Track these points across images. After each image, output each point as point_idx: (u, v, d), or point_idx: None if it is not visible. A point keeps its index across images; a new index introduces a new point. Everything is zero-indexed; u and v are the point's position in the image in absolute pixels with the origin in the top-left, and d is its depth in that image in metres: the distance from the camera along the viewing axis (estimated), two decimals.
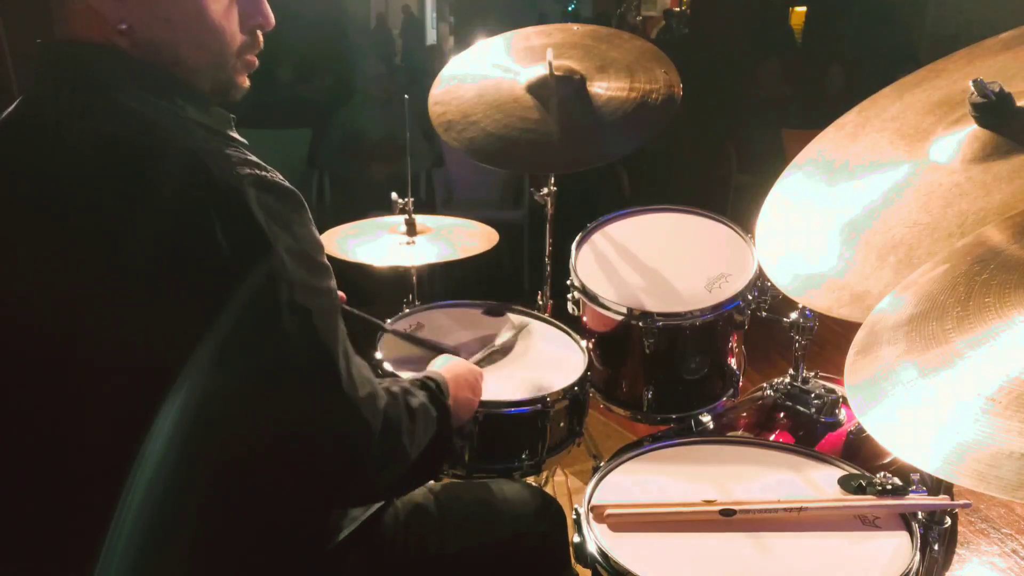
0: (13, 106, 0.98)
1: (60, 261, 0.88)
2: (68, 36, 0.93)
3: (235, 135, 1.00)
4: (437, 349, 1.62)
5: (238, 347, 0.87)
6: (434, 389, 1.16)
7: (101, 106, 0.90)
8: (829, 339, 1.78)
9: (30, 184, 0.91)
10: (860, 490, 1.20)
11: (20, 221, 0.91)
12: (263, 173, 0.90)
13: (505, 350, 1.68)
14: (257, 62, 1.05)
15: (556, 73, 1.87)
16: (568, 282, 1.80)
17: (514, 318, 1.80)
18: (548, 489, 2.06)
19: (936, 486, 1.17)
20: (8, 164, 0.94)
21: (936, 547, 1.15)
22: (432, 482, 1.47)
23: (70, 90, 0.91)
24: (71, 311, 0.87)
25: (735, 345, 1.77)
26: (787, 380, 1.71)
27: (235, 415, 0.90)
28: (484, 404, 1.42)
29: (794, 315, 1.65)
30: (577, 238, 1.85)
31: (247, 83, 1.05)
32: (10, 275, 0.91)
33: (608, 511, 1.17)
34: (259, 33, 1.04)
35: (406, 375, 1.22)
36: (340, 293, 1.02)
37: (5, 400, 0.94)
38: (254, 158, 0.92)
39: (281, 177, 0.93)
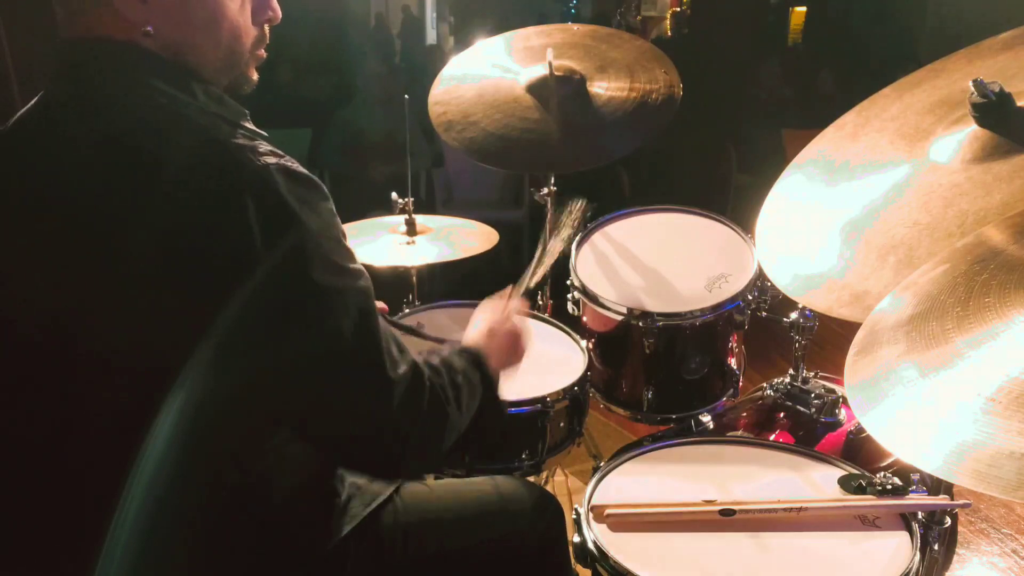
0: (34, 101, 0.98)
1: (96, 251, 0.88)
2: (89, 34, 0.94)
3: (252, 127, 1.01)
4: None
5: (278, 328, 0.88)
6: (474, 354, 1.17)
7: (130, 100, 0.91)
8: (829, 339, 1.77)
9: (60, 178, 0.91)
10: (860, 490, 1.20)
11: (52, 215, 0.91)
12: (288, 162, 0.92)
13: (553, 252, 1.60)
14: (265, 55, 1.07)
15: (556, 73, 1.87)
16: (568, 282, 1.81)
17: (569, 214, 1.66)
18: (548, 489, 2.06)
19: (936, 486, 1.17)
20: (38, 158, 0.94)
21: (936, 547, 1.15)
22: (431, 480, 1.46)
23: (97, 85, 0.93)
24: (108, 300, 0.88)
25: (735, 345, 1.77)
26: (787, 380, 1.71)
27: (274, 397, 0.92)
28: None
29: (794, 315, 1.65)
30: (577, 238, 1.85)
31: (256, 76, 1.07)
32: (45, 266, 0.91)
33: (608, 511, 1.17)
34: (267, 27, 1.06)
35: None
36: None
37: (29, 393, 0.94)
38: (276, 149, 0.94)
39: (301, 167, 0.95)
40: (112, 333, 0.88)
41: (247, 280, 0.85)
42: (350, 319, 0.92)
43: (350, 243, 0.98)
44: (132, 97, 0.92)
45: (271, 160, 0.89)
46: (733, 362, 1.78)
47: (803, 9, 6.91)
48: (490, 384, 1.15)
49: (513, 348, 1.29)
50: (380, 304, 1.55)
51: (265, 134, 1.00)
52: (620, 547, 1.11)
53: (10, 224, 0.94)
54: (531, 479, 1.70)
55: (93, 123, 0.91)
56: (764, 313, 1.71)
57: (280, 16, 1.06)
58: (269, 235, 0.86)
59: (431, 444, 1.04)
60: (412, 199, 2.05)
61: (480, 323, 1.29)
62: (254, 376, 0.88)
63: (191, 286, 0.86)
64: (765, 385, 1.74)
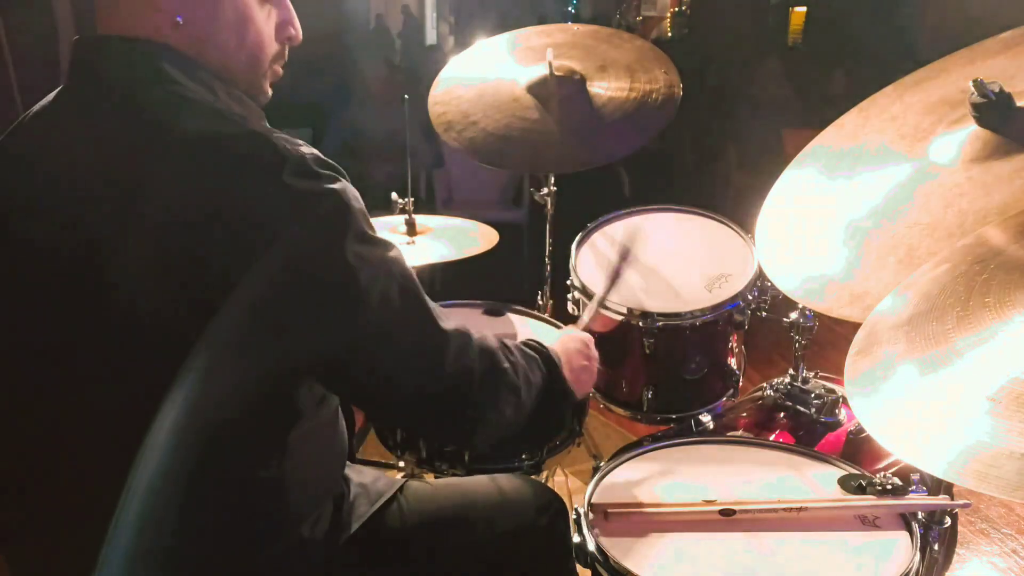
0: (55, 94, 1.00)
1: (135, 238, 0.89)
2: (118, 31, 0.96)
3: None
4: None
5: (331, 305, 0.92)
6: (534, 344, 1.22)
7: (161, 93, 0.93)
8: (829, 339, 1.77)
9: (88, 168, 0.92)
10: (860, 490, 1.20)
11: (87, 204, 0.92)
12: (317, 152, 0.96)
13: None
14: (281, 72, 1.11)
15: (556, 73, 1.87)
16: (568, 282, 1.80)
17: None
18: None
19: (936, 486, 1.17)
20: (67, 146, 0.95)
21: (936, 547, 1.15)
22: (434, 478, 1.47)
23: (131, 80, 0.94)
24: (146, 285, 0.89)
25: (735, 345, 1.77)
26: (787, 380, 1.71)
27: (334, 371, 0.97)
28: None
29: (794, 315, 1.65)
30: (577, 238, 1.85)
31: (270, 92, 1.11)
32: (88, 253, 0.92)
33: (608, 511, 1.17)
34: (286, 46, 1.10)
35: None
36: None
37: (74, 361, 0.96)
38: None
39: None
40: (147, 317, 0.89)
41: (297, 262, 0.88)
42: (396, 284, 0.97)
43: None
44: (162, 91, 0.93)
45: (306, 150, 0.94)
46: (733, 362, 1.78)
47: (803, 9, 6.91)
48: (552, 364, 1.20)
49: (581, 372, 1.32)
50: None
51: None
52: (620, 547, 1.11)
53: (44, 213, 0.95)
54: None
55: (124, 115, 0.93)
56: (764, 313, 1.70)
57: (300, 38, 1.10)
58: (318, 216, 0.90)
59: (490, 400, 1.08)
60: (412, 199, 2.05)
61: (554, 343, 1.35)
62: (307, 354, 0.92)
63: (231, 270, 0.87)
64: (765, 385, 1.74)
